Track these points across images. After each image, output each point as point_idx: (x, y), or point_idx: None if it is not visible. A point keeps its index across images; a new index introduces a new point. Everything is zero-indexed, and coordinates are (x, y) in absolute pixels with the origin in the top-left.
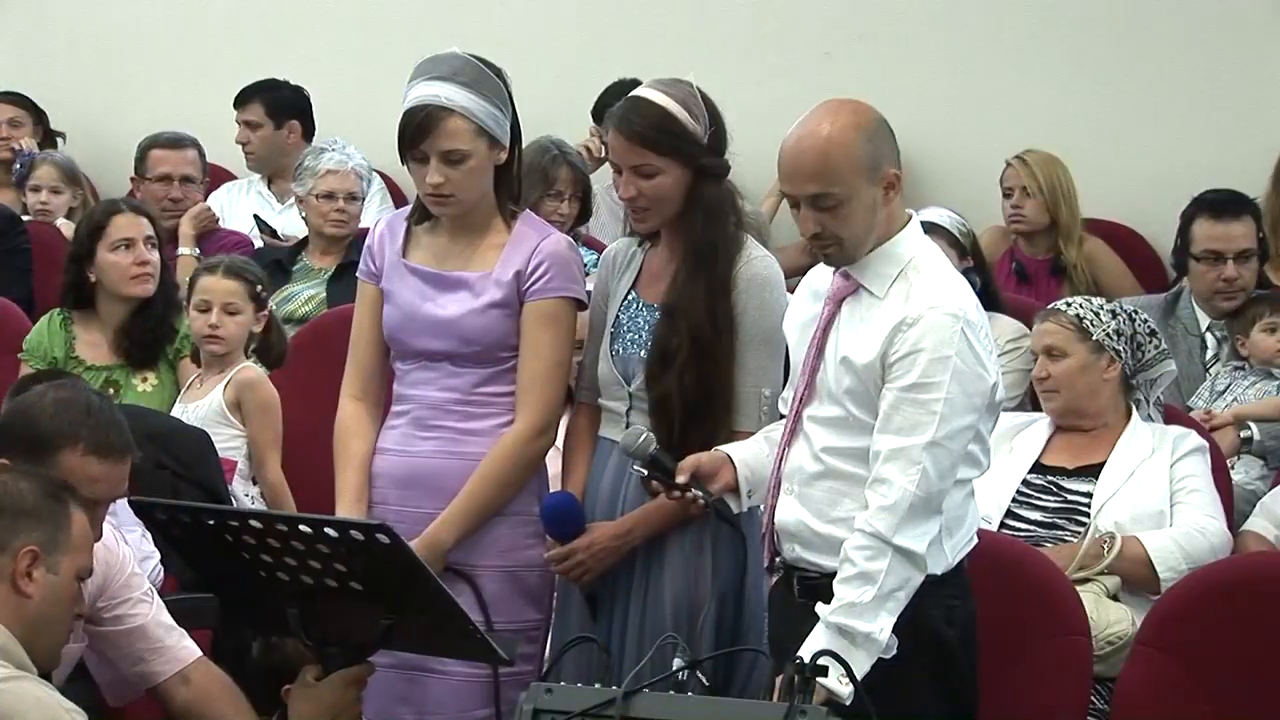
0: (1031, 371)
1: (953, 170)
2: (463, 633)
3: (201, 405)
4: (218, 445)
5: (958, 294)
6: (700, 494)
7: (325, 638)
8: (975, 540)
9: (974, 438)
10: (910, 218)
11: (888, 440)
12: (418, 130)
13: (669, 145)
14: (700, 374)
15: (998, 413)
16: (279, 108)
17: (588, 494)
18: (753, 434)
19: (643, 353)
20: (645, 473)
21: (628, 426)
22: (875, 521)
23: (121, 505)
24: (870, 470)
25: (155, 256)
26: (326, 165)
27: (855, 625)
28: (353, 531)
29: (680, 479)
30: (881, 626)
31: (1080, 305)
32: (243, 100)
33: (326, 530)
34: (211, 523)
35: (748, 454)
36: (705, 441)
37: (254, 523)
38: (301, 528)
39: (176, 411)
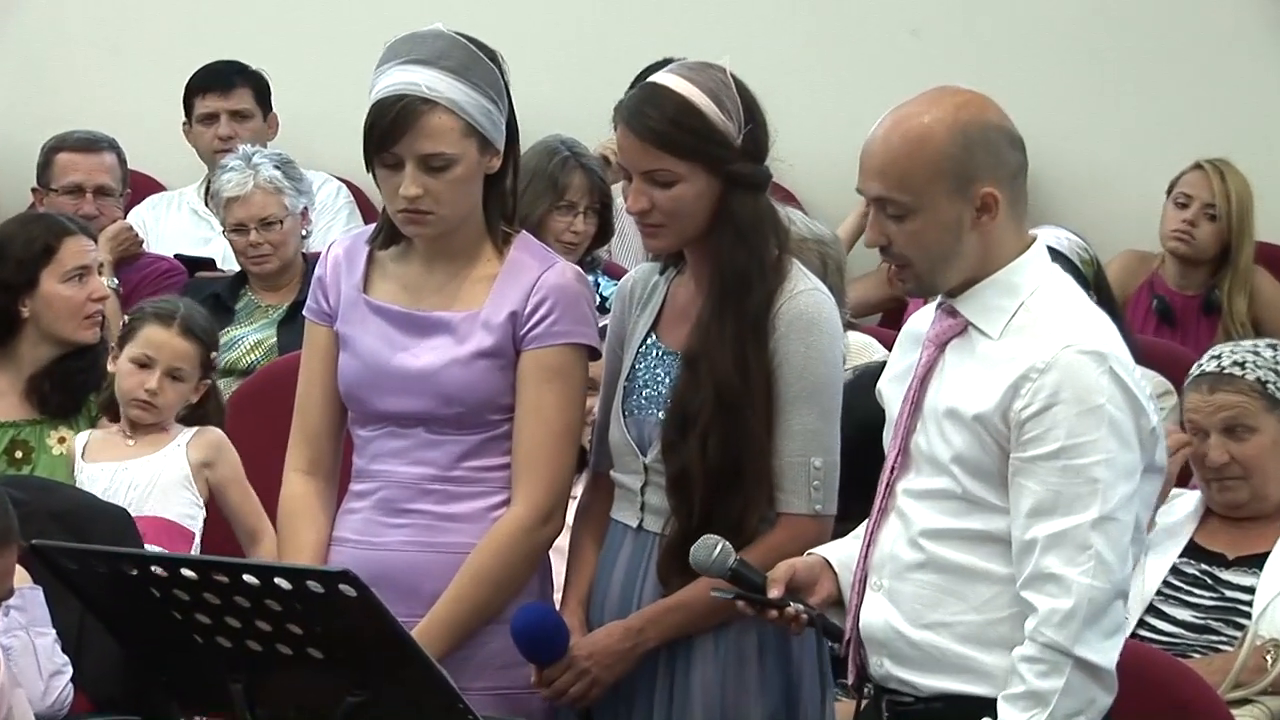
0: (1185, 448)
1: (1074, 180)
2: (449, 711)
3: (153, 464)
4: (173, 515)
5: (1096, 327)
6: (803, 609)
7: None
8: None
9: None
10: (1033, 241)
11: (1039, 525)
12: (390, 127)
13: (691, 146)
14: (726, 439)
15: (1162, 474)
16: (265, 95)
17: (596, 591)
18: (804, 515)
19: (661, 413)
20: (731, 594)
21: (643, 507)
22: (1049, 629)
23: (35, 598)
24: (1017, 565)
25: (107, 290)
26: (226, 192)
27: None
28: (310, 582)
29: (773, 593)
30: None
31: (1252, 362)
32: (224, 84)
33: (277, 581)
34: (134, 573)
35: (846, 554)
36: (735, 526)
37: (186, 572)
38: (246, 578)
39: (91, 473)
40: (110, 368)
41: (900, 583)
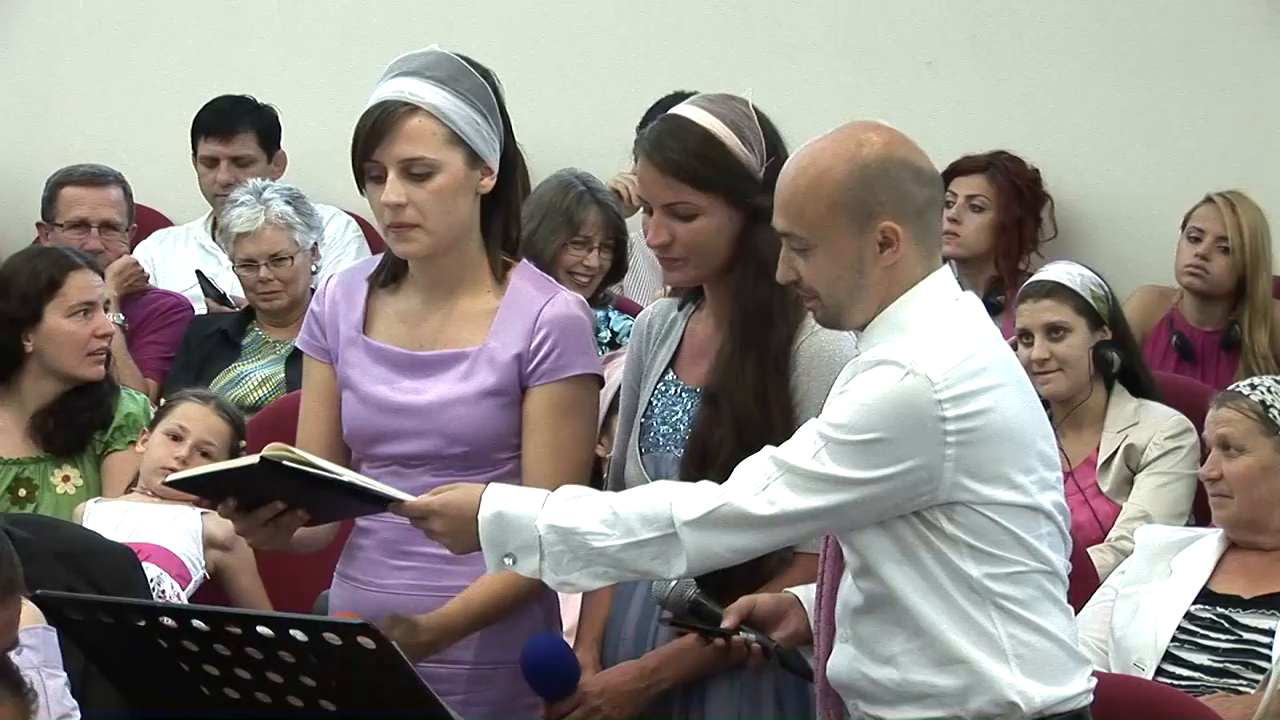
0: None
1: (1092, 215)
2: None
3: (167, 511)
4: (176, 553)
5: (929, 348)
6: (756, 638)
7: None
8: (1092, 680)
9: (1041, 517)
10: (931, 273)
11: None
12: (371, 135)
13: (712, 179)
14: None
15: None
16: (272, 136)
17: (610, 630)
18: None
19: (679, 450)
20: (678, 623)
21: None
22: (690, 501)
23: (49, 639)
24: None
25: (113, 327)
26: (236, 227)
27: (562, 568)
28: (327, 634)
29: (727, 623)
30: (578, 582)
31: (1269, 389)
32: (227, 128)
33: (292, 632)
34: (142, 623)
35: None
36: (753, 565)
37: (198, 623)
38: (260, 629)
39: (103, 509)
40: (139, 448)
41: (858, 626)
